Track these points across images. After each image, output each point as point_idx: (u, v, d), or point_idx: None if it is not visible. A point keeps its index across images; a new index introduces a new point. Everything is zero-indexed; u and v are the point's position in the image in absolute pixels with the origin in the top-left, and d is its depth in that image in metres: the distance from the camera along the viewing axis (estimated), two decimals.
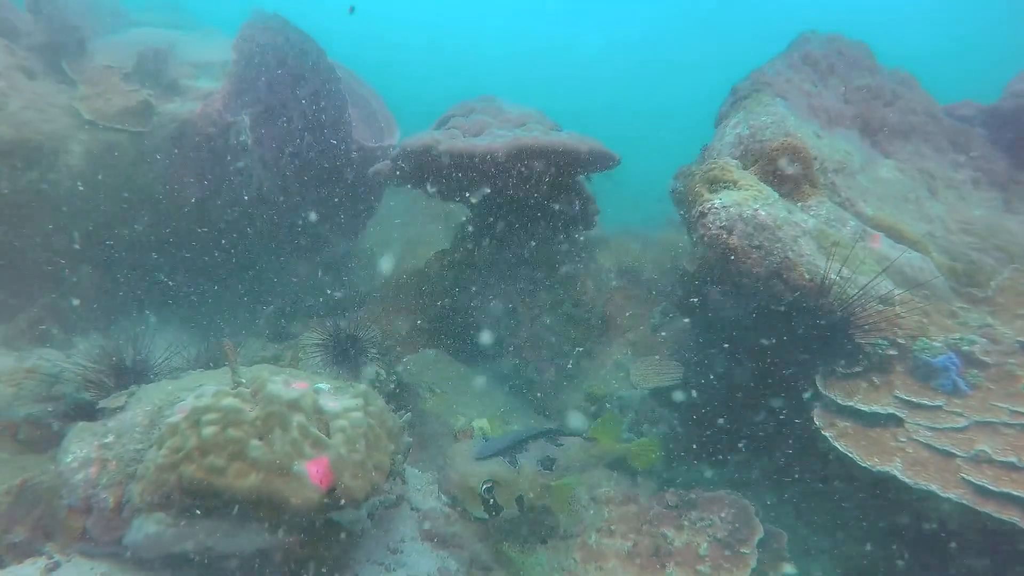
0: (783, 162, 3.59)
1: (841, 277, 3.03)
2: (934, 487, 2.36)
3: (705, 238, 3.27)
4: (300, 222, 5.65)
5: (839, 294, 2.98)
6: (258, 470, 2.45)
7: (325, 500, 2.51)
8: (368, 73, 7.31)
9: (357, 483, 2.68)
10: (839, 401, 2.78)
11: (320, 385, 3.16)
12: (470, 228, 5.19)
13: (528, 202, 4.74)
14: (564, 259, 4.78)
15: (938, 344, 2.85)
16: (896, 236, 3.67)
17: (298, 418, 2.70)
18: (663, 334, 4.59)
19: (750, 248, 3.12)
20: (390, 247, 6.92)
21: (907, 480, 2.41)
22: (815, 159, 3.77)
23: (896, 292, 3.11)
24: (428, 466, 4.09)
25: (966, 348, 2.84)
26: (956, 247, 4.01)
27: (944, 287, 3.47)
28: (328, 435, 2.78)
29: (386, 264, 6.31)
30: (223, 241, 5.28)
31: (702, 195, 3.42)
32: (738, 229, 3.15)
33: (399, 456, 3.15)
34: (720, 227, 3.19)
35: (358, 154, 5.88)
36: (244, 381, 2.82)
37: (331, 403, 2.97)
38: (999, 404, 2.62)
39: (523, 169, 4.41)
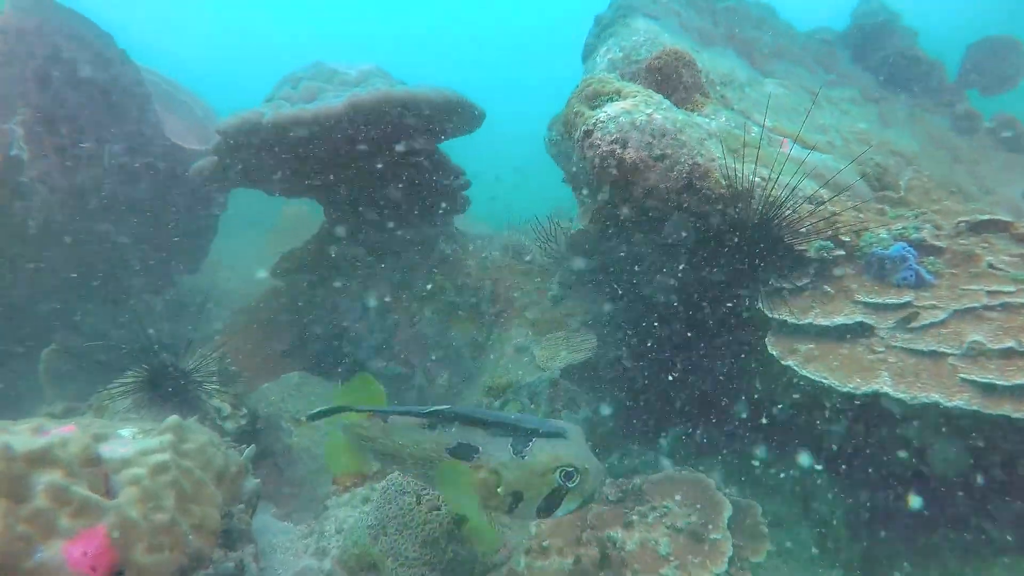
0: (667, 70, 3.06)
1: (762, 179, 2.49)
2: (936, 396, 1.81)
3: (596, 161, 2.65)
4: (110, 250, 4.54)
5: (764, 198, 2.44)
6: None
7: None
8: None
9: (160, 558, 1.79)
10: (794, 321, 2.21)
11: (121, 432, 2.23)
12: (324, 221, 4.34)
13: (385, 179, 3.97)
14: (438, 241, 4.04)
15: (886, 236, 2.36)
16: (799, 145, 3.24)
17: (48, 477, 1.76)
18: (566, 307, 3.94)
19: (651, 160, 2.53)
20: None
21: (901, 395, 1.86)
22: (700, 71, 3.28)
23: (823, 192, 2.62)
24: (300, 516, 3.18)
25: (915, 235, 2.38)
26: (857, 154, 3.67)
27: (865, 188, 3.05)
28: (113, 494, 1.87)
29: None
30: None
31: (583, 113, 2.81)
32: (633, 140, 2.55)
33: (238, 507, 2.25)
34: (612, 142, 2.58)
35: (178, 159, 4.85)
36: None
37: (120, 449, 2.05)
38: (971, 287, 2.14)
39: (370, 135, 3.65)
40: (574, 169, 3.85)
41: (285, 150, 3.68)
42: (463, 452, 1.87)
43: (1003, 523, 2.16)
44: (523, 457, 1.80)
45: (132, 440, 2.15)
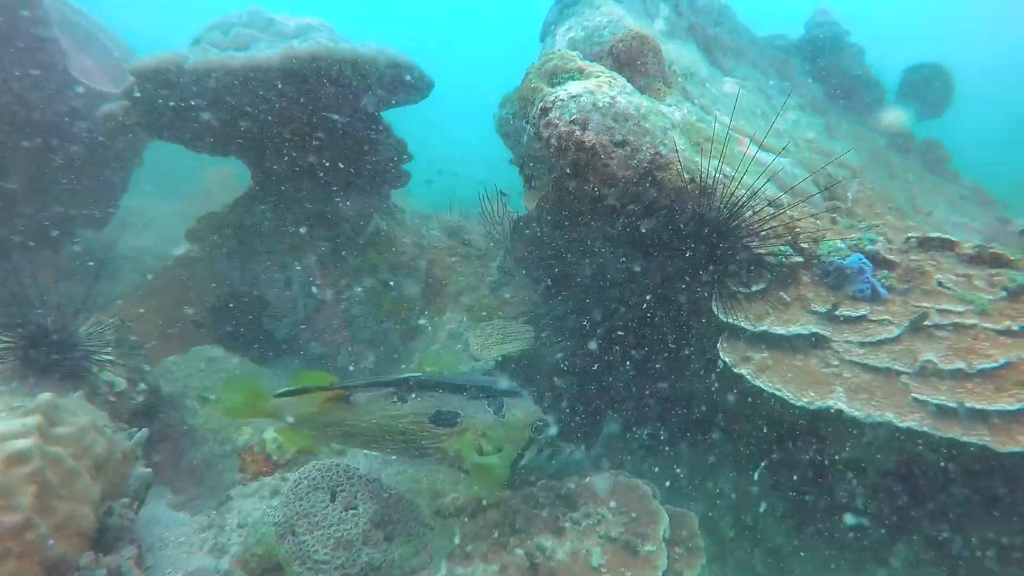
0: (632, 54, 2.91)
1: (725, 176, 2.38)
2: (889, 416, 1.74)
3: (552, 141, 2.47)
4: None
5: (725, 196, 2.33)
6: None
7: None
8: None
9: (10, 567, 1.50)
10: (749, 327, 2.10)
11: None
12: (250, 184, 3.98)
13: (320, 145, 3.66)
14: (373, 214, 3.77)
15: (843, 245, 2.29)
16: (757, 147, 3.17)
17: None
18: (505, 295, 3.77)
19: (612, 145, 2.37)
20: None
21: (855, 413, 1.78)
22: (664, 59, 3.15)
23: (782, 195, 2.54)
24: (200, 505, 2.87)
25: (870, 247, 2.32)
26: (809, 162, 3.64)
27: (818, 196, 3.01)
28: None
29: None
30: None
31: (541, 90, 2.62)
32: (594, 122, 2.38)
33: (121, 501, 1.96)
34: (571, 122, 2.41)
35: (87, 101, 4.34)
36: None
37: None
38: (923, 304, 2.10)
39: (306, 94, 3.33)
40: (523, 150, 3.67)
41: (209, 102, 3.31)
42: (446, 419, 2.01)
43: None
44: (503, 416, 2.03)
45: None
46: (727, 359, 2.11)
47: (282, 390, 2.10)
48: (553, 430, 2.16)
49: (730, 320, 2.21)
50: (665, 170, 2.39)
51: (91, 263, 4.45)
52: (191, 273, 3.86)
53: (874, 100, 5.37)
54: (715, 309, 2.29)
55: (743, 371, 2.02)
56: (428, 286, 3.72)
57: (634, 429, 3.27)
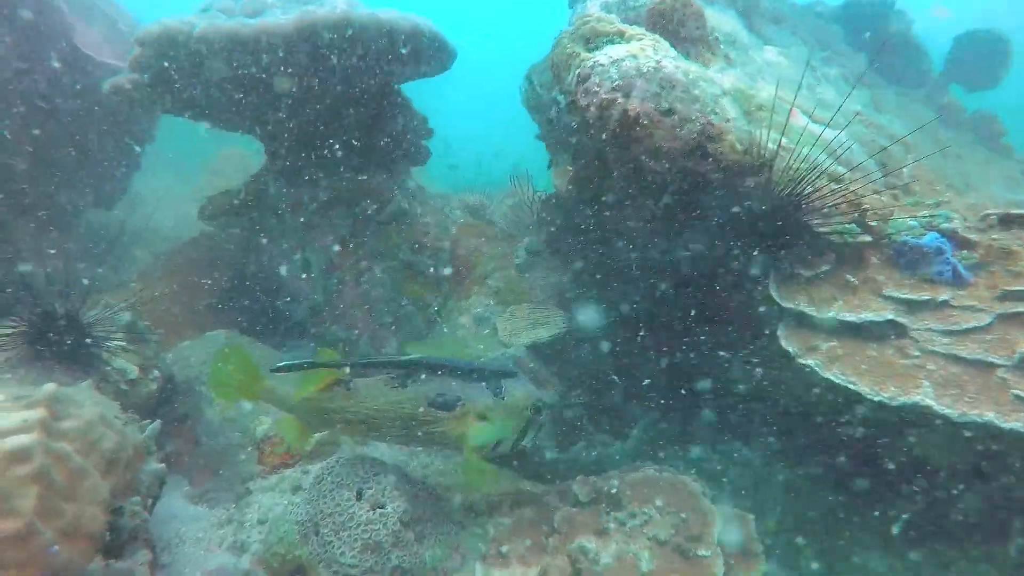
0: (672, 17, 2.68)
1: (781, 148, 2.16)
2: (990, 415, 1.54)
3: (591, 110, 2.26)
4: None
5: (786, 169, 2.12)
6: None
7: None
8: None
9: None
10: (813, 313, 1.90)
11: None
12: (264, 161, 3.80)
13: (337, 117, 3.47)
14: (394, 193, 3.58)
15: (915, 223, 2.08)
16: (809, 119, 2.94)
17: None
18: (534, 277, 3.58)
19: (658, 114, 2.16)
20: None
21: (947, 411, 1.58)
22: (707, 24, 2.91)
23: (843, 171, 2.32)
24: (220, 498, 2.74)
25: (945, 225, 2.11)
26: (860, 136, 3.40)
27: (877, 171, 2.78)
28: None
29: None
30: None
31: (577, 55, 2.41)
32: (639, 88, 2.17)
33: (133, 500, 1.82)
34: (612, 88, 2.20)
35: (93, 75, 4.17)
36: None
37: None
38: (1014, 287, 1.88)
39: (323, 62, 3.14)
40: (553, 123, 3.46)
41: (218, 72, 3.12)
42: (446, 403, 1.96)
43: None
44: (503, 398, 2.00)
45: None
46: (790, 348, 1.91)
47: (281, 363, 2.01)
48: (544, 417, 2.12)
49: (791, 305, 2.01)
50: (717, 141, 2.18)
51: (102, 244, 4.31)
52: (204, 254, 3.71)
53: (921, 70, 5.07)
54: (774, 293, 2.09)
55: (809, 362, 1.83)
56: (452, 267, 3.53)
57: (673, 421, 3.10)
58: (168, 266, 3.75)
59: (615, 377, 2.95)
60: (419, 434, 2.05)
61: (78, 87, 4.08)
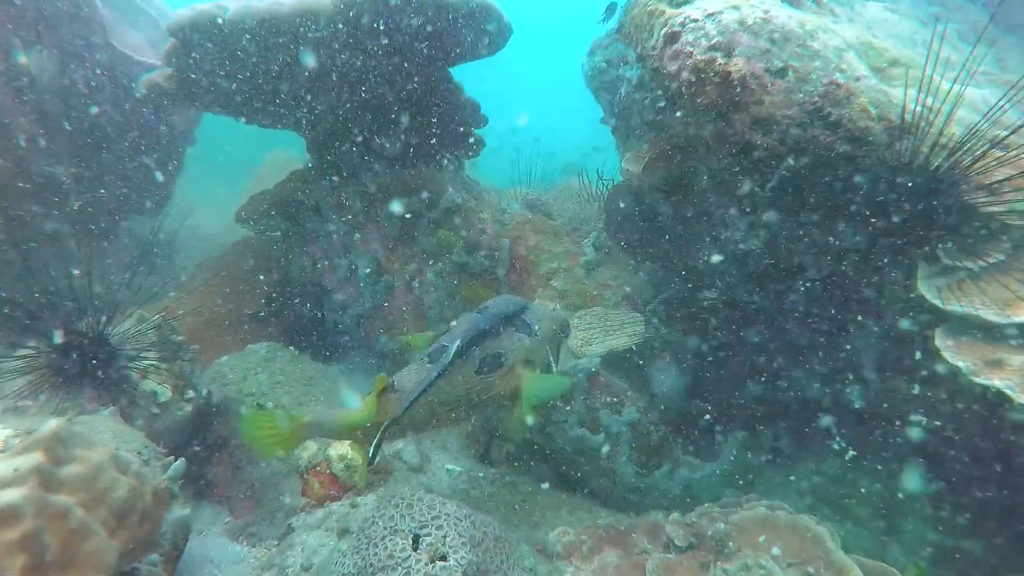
0: None
1: (927, 109, 1.71)
2: None
3: (683, 75, 1.86)
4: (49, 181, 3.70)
5: (932, 136, 1.67)
6: None
7: None
8: None
9: None
10: (995, 318, 1.46)
11: None
12: (306, 160, 3.53)
13: (383, 106, 3.16)
14: (446, 187, 3.24)
15: None
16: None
17: None
18: (603, 277, 3.19)
19: (768, 75, 1.75)
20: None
21: None
22: None
23: (1007, 135, 1.85)
24: (262, 533, 2.46)
25: None
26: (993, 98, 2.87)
27: None
28: None
29: None
30: None
31: (661, 12, 2.00)
32: (743, 45, 1.76)
33: (150, 559, 1.52)
34: (710, 47, 1.79)
35: (130, 74, 3.98)
36: None
37: None
38: None
39: (365, 43, 2.82)
40: (623, 101, 3.06)
41: (255, 60, 2.85)
42: (491, 363, 1.94)
43: None
44: (538, 336, 2.04)
45: None
46: (960, 363, 1.48)
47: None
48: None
49: (956, 308, 1.56)
50: (844, 105, 1.75)
51: (138, 253, 4.12)
52: (245, 261, 3.46)
53: None
54: (927, 292, 1.65)
55: (995, 384, 1.39)
56: (512, 268, 3.18)
57: (770, 439, 2.67)
58: (207, 275, 3.52)
59: (697, 389, 2.54)
60: (478, 403, 1.99)
61: (118, 91, 3.91)
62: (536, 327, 2.04)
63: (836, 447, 2.40)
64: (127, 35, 4.49)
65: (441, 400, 1.90)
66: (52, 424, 1.49)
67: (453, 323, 2.07)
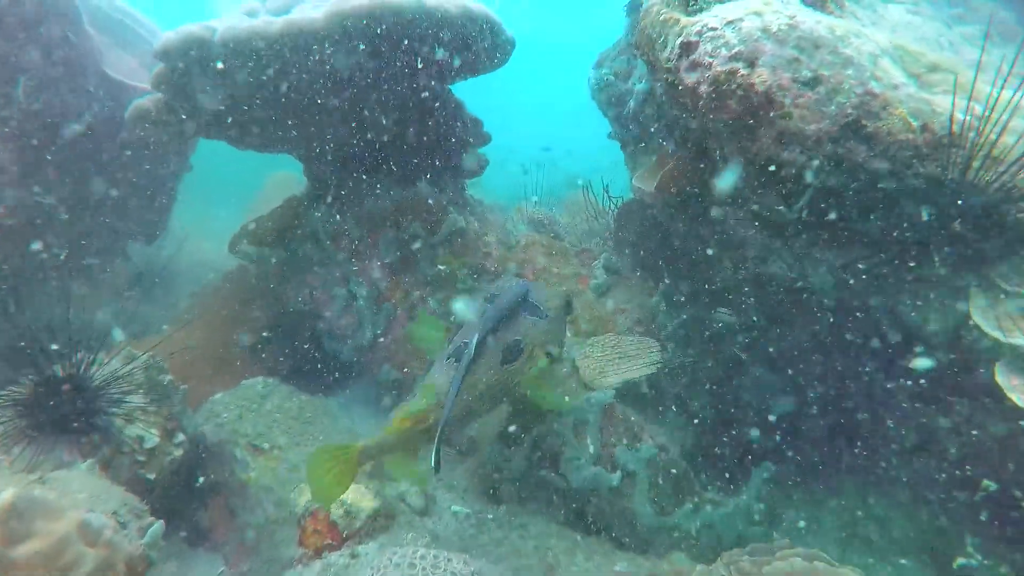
0: None
1: (975, 118, 1.55)
2: None
3: (702, 89, 1.71)
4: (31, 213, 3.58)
5: (981, 149, 1.51)
6: None
7: None
8: None
9: None
10: None
11: None
12: (304, 185, 3.40)
13: (380, 126, 3.02)
14: (448, 210, 3.09)
15: None
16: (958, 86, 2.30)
17: None
18: (615, 301, 3.02)
19: (797, 86, 1.59)
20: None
21: None
22: None
23: None
24: None
25: None
26: None
27: None
28: None
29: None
30: None
31: (676, 21, 1.85)
32: (768, 54, 1.61)
33: None
34: (731, 57, 1.64)
35: (120, 100, 3.86)
36: None
37: None
38: None
39: (361, 62, 2.69)
40: (632, 116, 2.91)
41: (246, 82, 2.72)
42: (513, 353, 1.97)
43: None
44: (547, 316, 2.07)
45: None
46: None
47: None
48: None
49: (1017, 341, 1.39)
50: (880, 118, 1.59)
51: (128, 284, 3.99)
52: (240, 291, 3.32)
53: None
54: (982, 322, 1.47)
55: None
56: None
57: (799, 473, 2.49)
58: (202, 307, 3.38)
59: (718, 418, 2.37)
60: (504, 394, 2.03)
61: (109, 115, 3.79)
62: (544, 308, 2.09)
63: (871, 479, 2.22)
64: (123, 60, 4.39)
65: (475, 396, 1.92)
66: (6, 496, 1.33)
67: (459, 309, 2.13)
